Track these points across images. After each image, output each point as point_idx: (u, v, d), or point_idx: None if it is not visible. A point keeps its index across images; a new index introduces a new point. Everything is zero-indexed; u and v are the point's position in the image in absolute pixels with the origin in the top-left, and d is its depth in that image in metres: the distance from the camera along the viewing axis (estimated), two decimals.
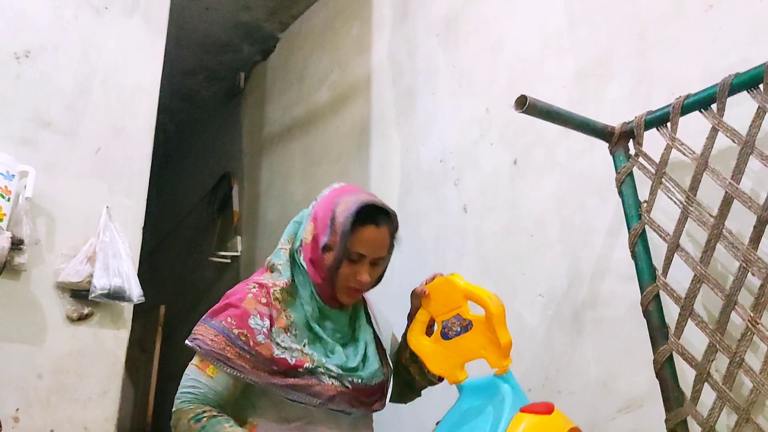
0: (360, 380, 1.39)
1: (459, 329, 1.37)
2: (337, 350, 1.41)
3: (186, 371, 1.36)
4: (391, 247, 1.46)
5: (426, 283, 1.48)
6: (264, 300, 1.37)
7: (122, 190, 2.40)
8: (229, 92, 4.69)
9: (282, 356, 1.32)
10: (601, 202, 1.84)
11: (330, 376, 1.35)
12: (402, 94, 2.85)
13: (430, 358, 1.40)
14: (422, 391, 1.58)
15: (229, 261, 4.13)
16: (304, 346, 1.37)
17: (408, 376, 1.55)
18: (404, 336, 1.52)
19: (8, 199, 2.04)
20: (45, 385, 2.10)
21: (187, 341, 1.37)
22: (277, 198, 3.81)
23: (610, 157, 1.68)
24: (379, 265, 1.44)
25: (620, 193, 1.62)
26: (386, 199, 2.06)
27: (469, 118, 2.42)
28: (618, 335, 1.74)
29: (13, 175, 2.08)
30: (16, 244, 2.05)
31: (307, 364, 1.33)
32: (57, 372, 2.13)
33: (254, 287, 1.40)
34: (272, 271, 1.46)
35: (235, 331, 1.33)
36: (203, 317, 1.40)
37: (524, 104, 1.49)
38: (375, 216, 1.41)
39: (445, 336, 1.40)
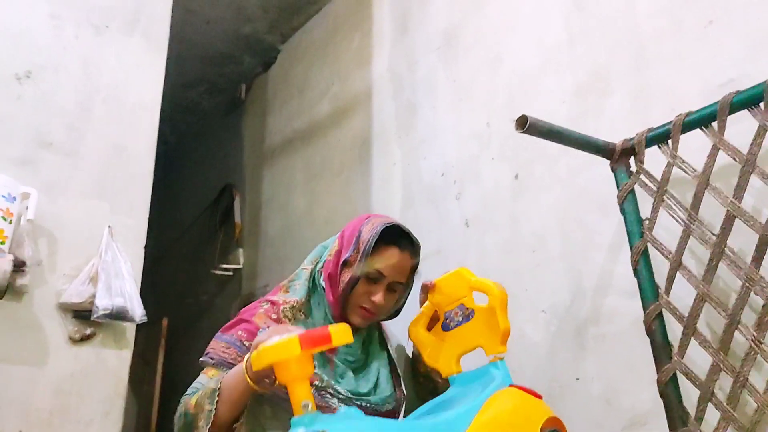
0: (369, 405, 1.38)
1: (461, 319, 1.37)
2: (347, 375, 1.40)
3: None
4: (410, 277, 1.46)
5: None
6: (274, 316, 1.39)
7: (124, 209, 2.40)
8: (230, 104, 4.70)
9: None
10: (603, 218, 1.84)
11: (339, 399, 1.35)
12: (402, 107, 2.85)
13: (427, 350, 1.40)
14: None
15: (231, 274, 4.13)
16: (315, 366, 1.37)
17: (431, 384, 1.54)
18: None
19: (10, 222, 2.04)
20: (47, 407, 2.09)
21: (200, 359, 1.39)
22: (278, 210, 3.81)
23: (611, 173, 1.68)
24: (395, 292, 1.43)
25: (622, 210, 1.61)
26: (388, 213, 2.07)
27: (469, 132, 2.42)
28: (621, 352, 1.73)
29: (14, 198, 2.08)
30: (18, 266, 2.05)
31: (316, 382, 1.33)
32: (59, 393, 2.12)
33: (266, 304, 1.43)
34: (287, 291, 1.48)
35: (246, 343, 1.34)
36: (216, 334, 1.41)
37: (525, 124, 1.49)
38: (400, 240, 1.42)
39: (446, 327, 1.39)
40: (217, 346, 1.38)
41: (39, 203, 2.16)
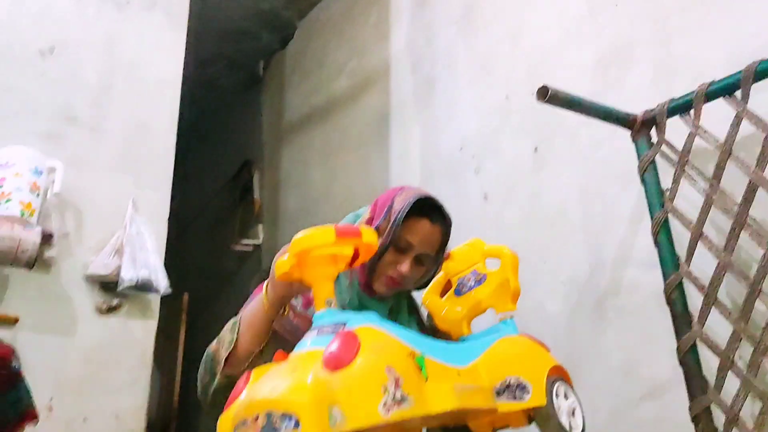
0: None
1: (473, 283, 1.37)
2: None
3: None
4: (440, 252, 1.47)
5: None
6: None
7: (147, 183, 2.44)
8: (249, 80, 4.71)
9: None
10: (623, 190, 1.84)
11: None
12: (421, 82, 2.84)
13: (439, 314, 1.40)
14: None
15: (251, 249, 4.17)
16: None
17: None
18: None
19: (37, 195, 2.08)
20: (77, 375, 2.15)
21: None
22: (297, 186, 3.84)
23: (632, 145, 1.68)
24: (423, 264, 1.43)
25: (643, 181, 1.61)
26: (408, 184, 2.06)
27: (489, 105, 2.42)
28: (640, 323, 1.74)
29: (41, 171, 2.12)
30: (46, 239, 2.10)
31: None
32: (88, 362, 2.18)
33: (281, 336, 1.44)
34: None
35: None
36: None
37: (546, 94, 1.49)
38: (432, 213, 1.42)
39: (458, 293, 1.39)
40: (244, 309, 1.40)
41: (65, 177, 2.20)
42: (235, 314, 1.47)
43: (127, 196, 2.37)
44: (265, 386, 0.88)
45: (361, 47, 3.37)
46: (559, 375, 1.14)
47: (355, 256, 1.03)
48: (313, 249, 0.97)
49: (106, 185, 2.36)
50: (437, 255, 1.47)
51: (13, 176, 2.05)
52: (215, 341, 1.28)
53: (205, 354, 1.30)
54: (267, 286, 1.21)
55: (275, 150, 4.21)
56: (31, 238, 1.99)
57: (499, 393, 1.05)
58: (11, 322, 2.07)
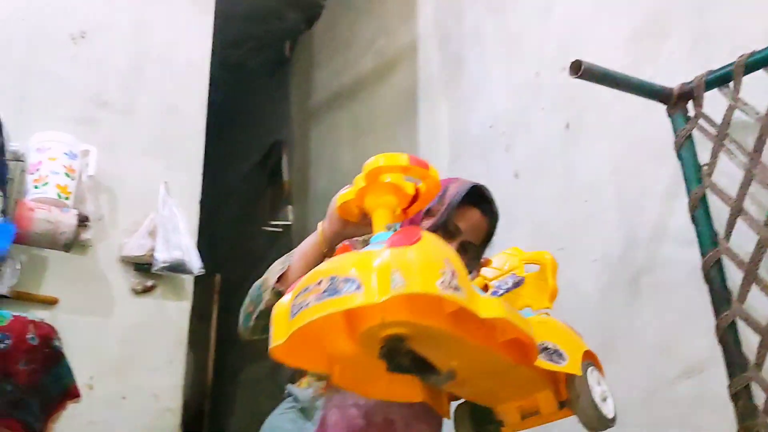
0: None
1: (511, 285, 1.37)
2: None
3: None
4: (484, 244, 1.46)
5: None
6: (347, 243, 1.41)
7: (178, 165, 2.47)
8: (276, 61, 4.71)
9: None
10: (659, 166, 1.80)
11: None
12: (449, 59, 2.81)
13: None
14: None
15: (281, 230, 4.20)
16: None
17: None
18: None
19: (73, 178, 2.12)
20: (115, 355, 2.21)
21: None
22: (326, 167, 3.84)
23: (668, 120, 1.64)
24: (466, 252, 1.43)
25: (679, 156, 1.58)
26: (435, 166, 2.05)
27: (518, 82, 2.39)
28: (677, 300, 1.71)
29: (75, 155, 2.16)
30: (82, 221, 2.14)
31: None
32: (125, 342, 2.23)
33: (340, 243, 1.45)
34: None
35: None
36: None
37: (579, 69, 1.46)
38: (483, 205, 1.42)
39: (495, 294, 1.39)
40: None
41: (98, 160, 2.24)
42: None
43: (159, 179, 2.40)
44: (329, 263, 0.90)
45: (389, 25, 3.34)
46: (592, 360, 1.13)
47: (414, 200, 1.04)
48: (385, 169, 0.98)
49: (138, 168, 2.40)
50: (480, 247, 1.46)
51: (48, 160, 2.09)
52: (263, 276, 1.29)
53: (251, 288, 1.31)
54: (323, 223, 1.23)
55: (304, 130, 4.21)
56: (68, 220, 2.03)
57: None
58: (51, 303, 2.12)
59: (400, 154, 0.98)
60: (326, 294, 0.82)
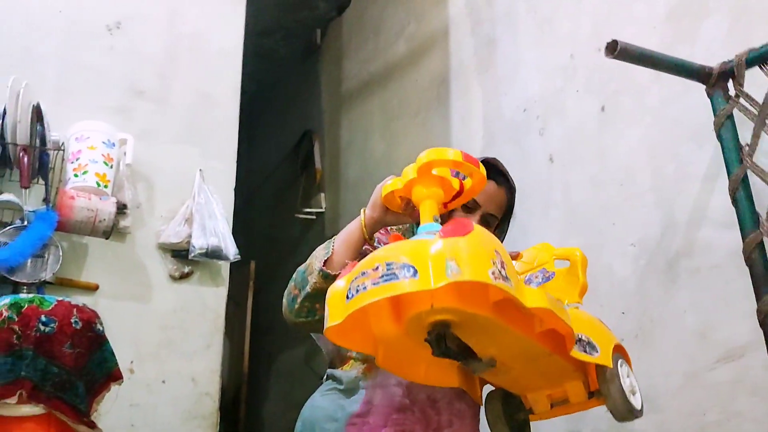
0: None
1: (541, 279, 1.38)
2: None
3: None
4: (506, 217, 1.46)
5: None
6: (383, 232, 1.42)
7: (213, 153, 2.50)
8: (306, 50, 4.72)
9: None
10: (697, 148, 1.77)
11: None
12: (481, 43, 2.79)
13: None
14: None
15: (314, 217, 4.23)
16: None
17: None
18: None
19: (111, 166, 2.16)
20: (154, 340, 2.25)
21: None
22: (357, 154, 3.85)
23: (707, 101, 1.60)
24: (490, 224, 1.44)
25: (719, 137, 1.54)
26: (468, 151, 2.04)
27: (552, 65, 2.36)
28: (716, 284, 1.68)
29: (113, 144, 2.20)
30: (120, 209, 2.18)
31: None
32: (164, 328, 2.28)
33: (384, 231, 1.47)
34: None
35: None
36: None
37: (615, 49, 1.43)
38: (497, 177, 1.43)
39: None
40: None
41: (135, 149, 2.27)
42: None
43: (195, 167, 2.44)
44: (385, 249, 0.93)
45: (419, 10, 3.32)
46: (622, 354, 1.14)
47: (457, 194, 1.09)
48: (437, 163, 1.03)
49: (173, 156, 2.44)
50: (503, 220, 1.46)
51: (87, 149, 2.13)
52: (306, 261, 1.31)
53: (295, 272, 1.33)
54: (364, 210, 1.26)
55: (335, 118, 4.22)
56: (107, 208, 2.07)
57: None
58: (92, 289, 2.17)
59: (452, 149, 1.03)
60: (383, 279, 0.86)
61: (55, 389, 1.43)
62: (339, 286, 0.94)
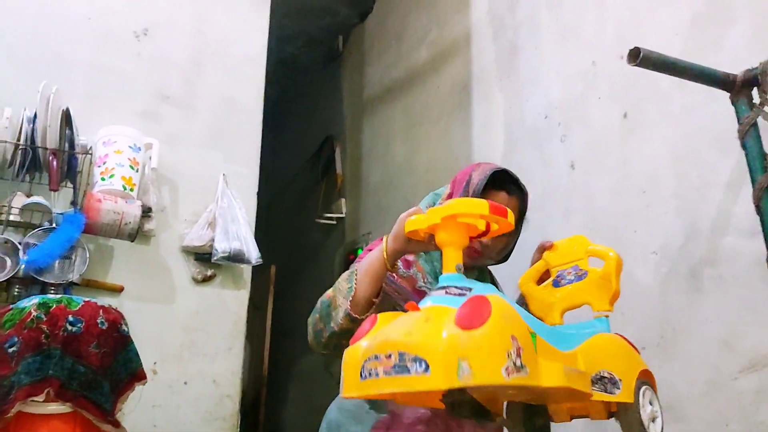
0: None
1: (573, 278, 1.37)
2: None
3: None
4: (519, 223, 1.47)
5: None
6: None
7: (236, 158, 2.53)
8: (329, 56, 4.76)
9: (423, 288, 1.40)
10: (721, 156, 1.75)
11: None
12: (503, 49, 2.79)
13: (533, 301, 1.41)
14: None
15: (334, 222, 4.25)
16: None
17: None
18: None
19: (137, 170, 2.20)
20: (177, 342, 2.28)
21: None
22: (379, 160, 3.87)
23: (731, 108, 1.59)
24: (503, 235, 1.45)
25: (743, 145, 1.53)
26: (489, 158, 2.06)
27: (574, 71, 2.35)
28: (740, 293, 1.67)
29: (139, 148, 2.24)
30: (146, 212, 2.22)
31: None
32: (187, 329, 2.30)
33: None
34: None
35: None
36: None
37: (638, 57, 1.43)
38: (508, 186, 1.45)
39: (556, 284, 1.39)
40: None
41: (160, 153, 2.31)
42: (322, 285, 1.52)
43: (218, 171, 2.47)
44: (399, 329, 0.93)
45: (442, 17, 3.33)
46: (646, 379, 1.15)
47: (483, 233, 1.08)
48: (463, 216, 1.03)
49: (198, 160, 2.47)
50: (516, 226, 1.47)
51: (114, 153, 2.17)
52: (330, 290, 1.33)
53: (319, 302, 1.35)
54: (387, 238, 1.27)
55: (356, 124, 4.24)
56: (133, 211, 2.11)
57: (593, 383, 1.07)
58: (117, 290, 2.21)
59: (480, 201, 1.03)
60: (395, 370, 0.88)
61: (81, 388, 1.45)
62: (354, 354, 0.97)
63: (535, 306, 1.42)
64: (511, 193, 1.46)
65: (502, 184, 1.45)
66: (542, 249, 1.45)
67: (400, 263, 1.42)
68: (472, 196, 1.41)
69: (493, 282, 1.62)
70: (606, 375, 1.08)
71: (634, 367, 1.14)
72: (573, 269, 1.38)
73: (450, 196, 1.49)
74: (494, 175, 1.44)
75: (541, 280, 1.46)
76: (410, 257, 1.45)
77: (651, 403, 1.13)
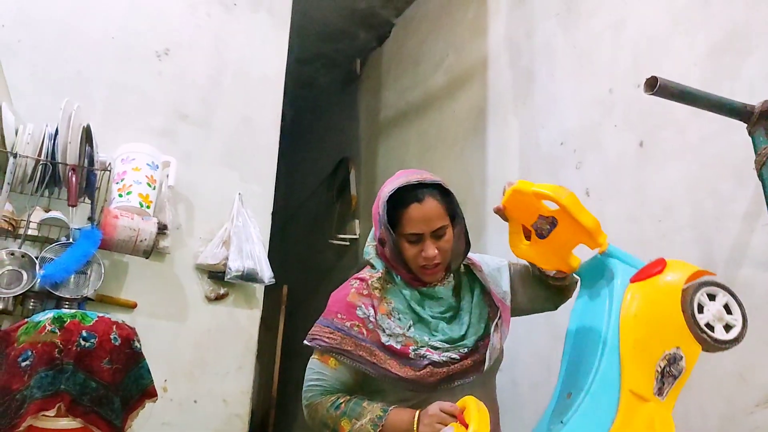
0: (466, 349, 1.42)
1: (549, 226, 1.36)
2: (440, 327, 1.45)
3: (309, 366, 1.47)
4: (451, 214, 1.46)
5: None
6: (365, 291, 1.46)
7: (252, 177, 2.55)
8: (346, 79, 4.80)
9: (389, 343, 1.39)
10: (738, 186, 1.75)
11: (437, 350, 1.40)
12: (520, 75, 2.81)
13: (538, 258, 1.42)
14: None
15: (348, 244, 4.26)
16: (409, 328, 1.43)
17: (560, 282, 1.55)
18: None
19: (154, 188, 2.22)
20: (188, 359, 2.28)
21: (305, 341, 1.48)
22: None
23: (747, 138, 1.59)
24: (444, 236, 1.44)
25: (760, 176, 1.53)
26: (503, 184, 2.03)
27: (590, 99, 2.36)
28: (756, 325, 1.63)
29: (157, 166, 2.26)
30: (161, 229, 2.23)
31: (412, 347, 1.39)
32: (198, 347, 2.31)
33: (356, 282, 1.51)
34: (372, 266, 1.53)
35: (348, 324, 1.41)
36: (318, 319, 1.48)
37: (655, 86, 1.44)
38: (416, 194, 1.42)
39: (540, 236, 1.39)
40: (322, 331, 1.44)
41: (178, 171, 2.33)
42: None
43: (234, 190, 2.49)
44: None
45: (459, 42, 3.36)
46: (695, 281, 1.22)
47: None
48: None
49: (214, 179, 2.49)
50: (452, 219, 1.46)
51: (132, 170, 2.19)
52: (342, 420, 1.36)
53: (316, 407, 1.42)
54: (420, 416, 1.28)
55: (372, 147, 4.27)
56: (149, 228, 2.12)
57: (663, 374, 1.12)
58: (131, 306, 2.22)
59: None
60: None
61: (92, 404, 1.46)
62: None
63: (542, 262, 1.43)
64: (422, 199, 1.42)
65: (408, 196, 1.42)
66: (500, 213, 1.42)
67: (370, 323, 1.41)
68: (386, 229, 1.42)
69: (471, 278, 1.57)
70: (670, 355, 1.14)
71: (674, 291, 1.21)
72: (540, 219, 1.37)
73: (374, 233, 1.51)
74: (399, 191, 1.43)
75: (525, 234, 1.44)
76: (374, 301, 1.44)
77: (713, 298, 1.22)
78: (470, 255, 1.57)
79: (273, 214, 2.62)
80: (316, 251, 4.81)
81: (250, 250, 2.34)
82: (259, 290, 2.47)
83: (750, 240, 1.70)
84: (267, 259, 2.39)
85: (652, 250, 1.98)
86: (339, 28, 4.36)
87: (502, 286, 1.57)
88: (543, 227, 1.37)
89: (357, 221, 4.22)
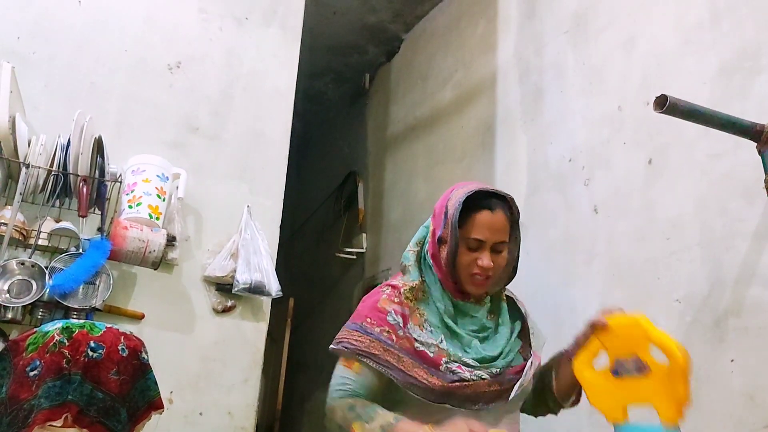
0: (498, 370, 1.41)
1: (633, 369, 1.29)
2: (473, 344, 1.43)
3: (334, 372, 1.44)
4: (514, 232, 1.46)
5: (605, 315, 1.37)
6: (396, 299, 1.45)
7: (261, 190, 2.56)
8: (355, 93, 4.83)
9: (422, 349, 1.38)
10: (747, 205, 1.74)
11: (467, 367, 1.39)
12: (529, 92, 2.82)
13: (593, 390, 1.34)
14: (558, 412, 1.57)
15: (354, 257, 4.26)
16: (441, 341, 1.41)
17: (550, 406, 1.54)
18: (554, 360, 1.51)
19: (164, 199, 2.23)
20: (194, 371, 2.28)
21: (331, 346, 1.45)
22: (400, 197, 3.89)
23: (757, 157, 1.59)
24: (502, 252, 1.44)
25: None
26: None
27: (599, 116, 2.36)
28: (765, 345, 1.64)
29: (167, 177, 2.27)
30: (170, 241, 2.25)
31: (444, 359, 1.38)
32: (204, 359, 2.31)
33: (387, 289, 1.49)
34: (404, 273, 1.52)
35: (377, 329, 1.40)
36: (345, 324, 1.47)
37: (664, 104, 1.44)
38: (489, 202, 1.42)
39: (616, 373, 1.32)
40: (349, 335, 1.43)
41: (187, 183, 2.35)
42: (339, 320, 1.52)
43: (243, 202, 2.50)
44: None
45: (468, 58, 3.38)
46: None
47: None
48: None
49: (223, 191, 2.50)
50: (511, 237, 1.45)
51: (142, 182, 2.21)
52: (354, 420, 1.33)
53: (330, 414, 1.38)
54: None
55: (379, 161, 4.28)
56: (158, 239, 2.13)
57: None
58: (138, 317, 2.23)
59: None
60: None
61: (99, 414, 1.45)
62: None
63: (594, 393, 1.34)
64: (494, 209, 1.43)
65: (482, 202, 1.43)
66: (595, 328, 1.35)
67: (400, 329, 1.40)
68: (453, 228, 1.40)
69: (512, 306, 1.57)
70: None
71: None
72: (633, 361, 1.29)
73: (434, 232, 1.49)
74: (473, 195, 1.43)
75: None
76: (406, 310, 1.43)
77: None
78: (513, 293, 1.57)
79: (281, 226, 2.63)
80: (323, 264, 4.82)
81: (258, 263, 2.34)
82: (266, 303, 2.47)
83: (759, 259, 1.69)
84: (275, 272, 2.39)
85: (660, 268, 1.98)
86: (349, 42, 4.39)
87: (540, 338, 1.56)
88: (628, 367, 1.29)
89: (364, 235, 4.23)
